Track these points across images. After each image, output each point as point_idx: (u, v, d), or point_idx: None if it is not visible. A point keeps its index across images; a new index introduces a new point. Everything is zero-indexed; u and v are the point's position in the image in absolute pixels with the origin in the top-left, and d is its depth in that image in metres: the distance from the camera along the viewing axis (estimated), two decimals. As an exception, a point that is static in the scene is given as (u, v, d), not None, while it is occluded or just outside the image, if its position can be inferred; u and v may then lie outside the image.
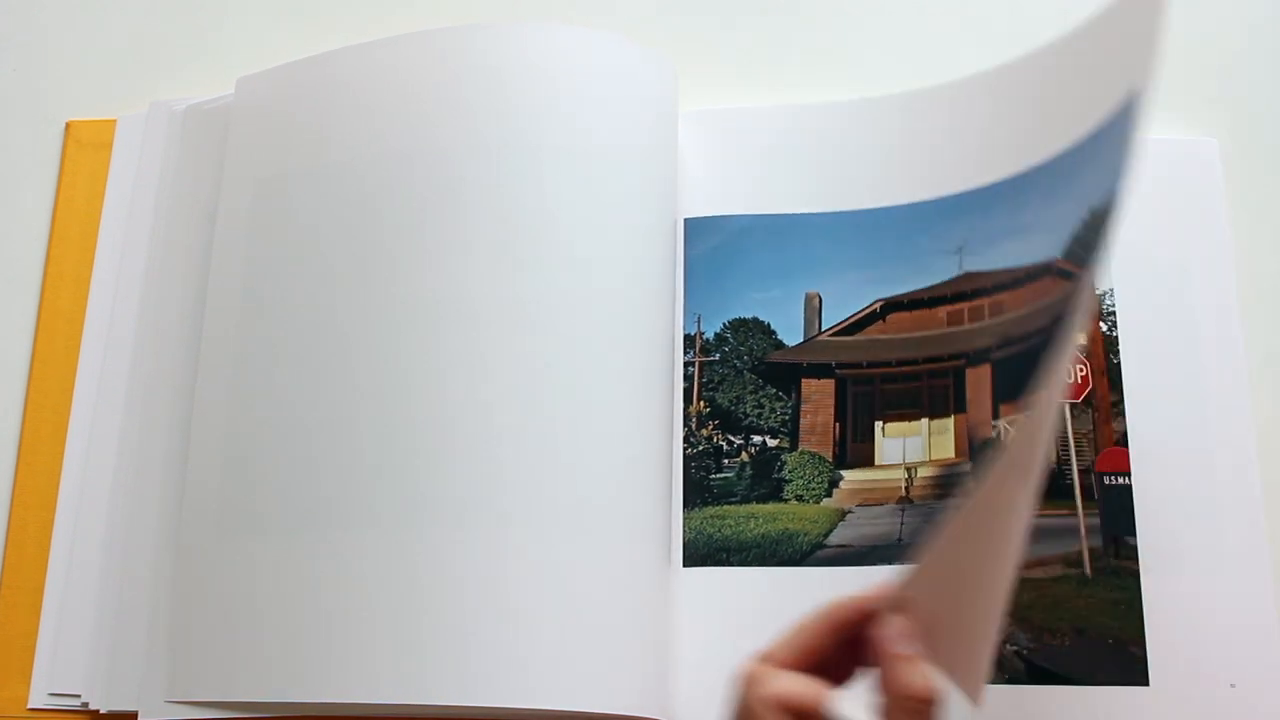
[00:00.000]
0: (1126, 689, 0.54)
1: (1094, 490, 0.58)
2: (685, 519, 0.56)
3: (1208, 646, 0.55)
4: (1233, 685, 0.54)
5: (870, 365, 0.59)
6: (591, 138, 0.56)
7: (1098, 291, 0.61)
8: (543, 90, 0.56)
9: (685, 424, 0.58)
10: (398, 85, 0.58)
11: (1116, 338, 0.60)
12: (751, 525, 0.57)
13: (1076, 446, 0.59)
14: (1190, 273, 0.61)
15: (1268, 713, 0.54)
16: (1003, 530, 0.37)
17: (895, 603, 0.41)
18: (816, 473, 0.58)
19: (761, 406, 0.59)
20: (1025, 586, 0.56)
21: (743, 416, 0.59)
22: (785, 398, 0.59)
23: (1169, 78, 0.65)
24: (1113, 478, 0.58)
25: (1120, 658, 0.55)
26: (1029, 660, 0.55)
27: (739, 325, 0.60)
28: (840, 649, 0.41)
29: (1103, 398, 0.59)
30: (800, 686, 0.40)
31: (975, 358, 0.58)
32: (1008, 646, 0.55)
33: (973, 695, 0.39)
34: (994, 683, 0.54)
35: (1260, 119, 0.65)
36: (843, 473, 0.58)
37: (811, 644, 0.41)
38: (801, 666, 0.41)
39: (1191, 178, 0.62)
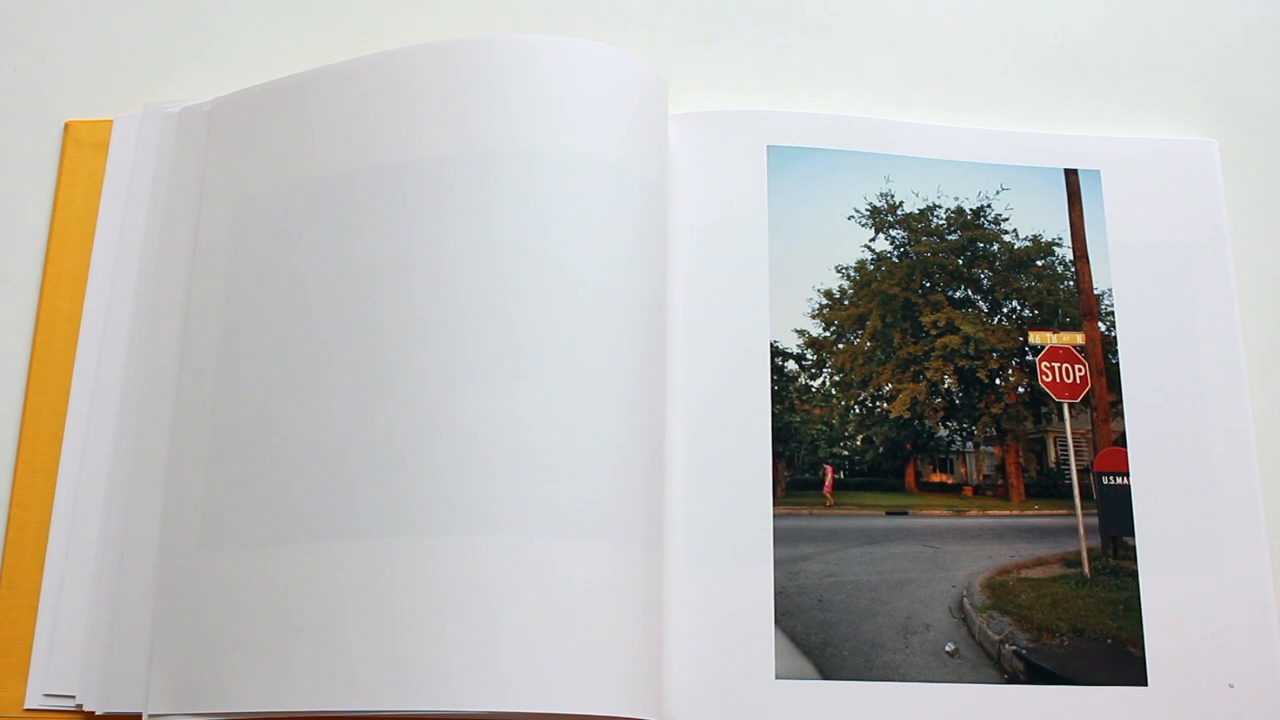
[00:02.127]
0: (1125, 689, 0.54)
1: (1093, 490, 0.58)
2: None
3: (1206, 646, 0.55)
4: (1231, 685, 0.54)
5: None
6: (579, 146, 0.56)
7: (1096, 291, 0.61)
8: (529, 101, 0.56)
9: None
10: (383, 100, 0.58)
11: (1115, 338, 0.60)
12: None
13: (1075, 446, 0.59)
14: (1190, 272, 0.61)
15: (1266, 712, 0.54)
16: None
17: None
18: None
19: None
20: (1024, 586, 0.56)
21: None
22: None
23: (1170, 78, 0.66)
24: (1111, 477, 0.58)
25: (1119, 658, 0.55)
26: (1028, 660, 0.55)
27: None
28: None
29: (1101, 397, 0.59)
30: None
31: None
32: (1006, 646, 0.55)
33: None
34: (993, 682, 0.54)
35: (1260, 119, 0.65)
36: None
37: None
38: None
39: (1191, 178, 0.63)
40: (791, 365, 0.59)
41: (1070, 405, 0.59)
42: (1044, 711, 0.54)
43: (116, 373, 0.59)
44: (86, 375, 0.59)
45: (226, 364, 0.57)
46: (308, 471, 0.54)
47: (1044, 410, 0.60)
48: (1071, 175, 0.62)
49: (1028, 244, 0.62)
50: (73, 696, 0.54)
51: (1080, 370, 0.60)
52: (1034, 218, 0.62)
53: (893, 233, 0.62)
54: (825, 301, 0.60)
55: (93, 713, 0.54)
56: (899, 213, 0.62)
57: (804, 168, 0.61)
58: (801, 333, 0.60)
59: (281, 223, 0.58)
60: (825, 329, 0.60)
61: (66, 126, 0.64)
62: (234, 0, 0.67)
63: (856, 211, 0.62)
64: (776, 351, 0.59)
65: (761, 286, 0.59)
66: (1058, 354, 0.60)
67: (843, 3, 0.67)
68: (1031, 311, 0.61)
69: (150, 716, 0.53)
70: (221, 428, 0.56)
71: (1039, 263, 0.62)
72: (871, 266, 0.61)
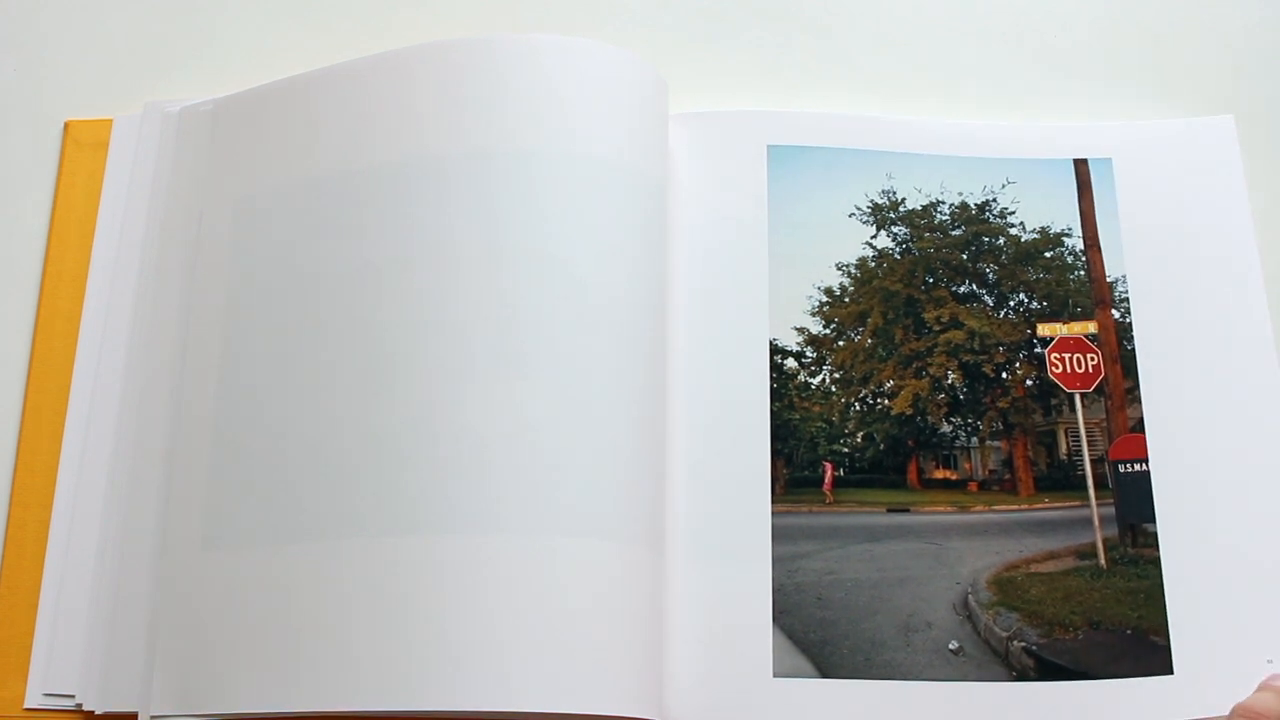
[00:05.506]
0: (1149, 679, 0.52)
1: (1108, 479, 0.56)
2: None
3: (1239, 626, 0.53)
4: (1270, 660, 0.52)
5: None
6: (580, 146, 0.56)
7: (1109, 278, 0.59)
8: (530, 100, 0.56)
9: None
10: (384, 100, 0.58)
11: (1130, 324, 0.58)
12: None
13: (1088, 436, 0.57)
14: (1209, 253, 0.59)
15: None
16: None
17: None
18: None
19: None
20: (1034, 581, 0.54)
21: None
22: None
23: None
24: (1129, 465, 0.56)
25: (1141, 648, 0.53)
26: (1038, 656, 0.52)
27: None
28: None
29: (1116, 385, 0.57)
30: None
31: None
32: (1015, 643, 0.53)
33: None
34: (1000, 680, 0.52)
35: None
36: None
37: None
38: None
39: (1208, 157, 0.61)
40: (791, 363, 0.58)
41: (1082, 394, 0.58)
42: (1058, 707, 0.51)
43: (116, 373, 0.59)
44: (86, 375, 0.60)
45: (228, 364, 0.57)
46: (310, 471, 0.54)
47: (1054, 402, 0.58)
48: (1081, 165, 0.61)
49: (1035, 236, 0.60)
50: (72, 696, 0.54)
51: (1093, 359, 0.58)
52: (1041, 210, 0.61)
53: (895, 229, 0.61)
54: (825, 299, 0.60)
55: (93, 712, 0.54)
56: (901, 209, 0.61)
57: (804, 166, 0.61)
58: (801, 330, 0.59)
59: (282, 222, 0.58)
60: (825, 326, 0.59)
61: (66, 126, 0.65)
62: (234, 0, 0.68)
63: (857, 209, 0.61)
64: (776, 349, 0.58)
65: (761, 285, 0.59)
66: (1068, 344, 0.58)
67: (843, 3, 0.67)
68: (1040, 303, 0.59)
69: (151, 717, 0.52)
70: (223, 428, 0.56)
71: (1047, 254, 0.60)
72: (873, 263, 0.60)
